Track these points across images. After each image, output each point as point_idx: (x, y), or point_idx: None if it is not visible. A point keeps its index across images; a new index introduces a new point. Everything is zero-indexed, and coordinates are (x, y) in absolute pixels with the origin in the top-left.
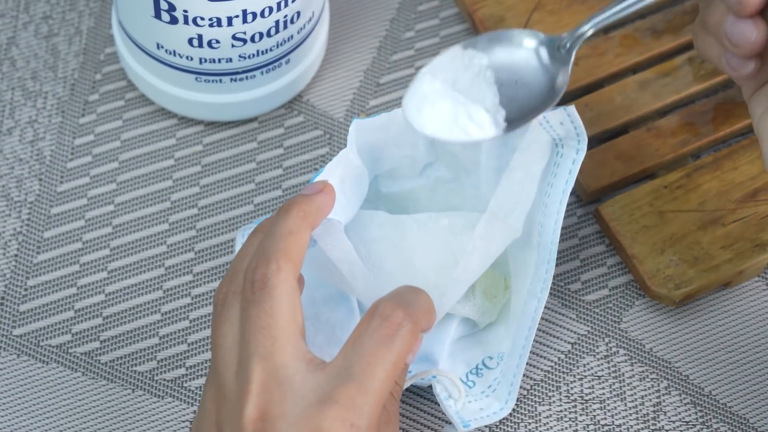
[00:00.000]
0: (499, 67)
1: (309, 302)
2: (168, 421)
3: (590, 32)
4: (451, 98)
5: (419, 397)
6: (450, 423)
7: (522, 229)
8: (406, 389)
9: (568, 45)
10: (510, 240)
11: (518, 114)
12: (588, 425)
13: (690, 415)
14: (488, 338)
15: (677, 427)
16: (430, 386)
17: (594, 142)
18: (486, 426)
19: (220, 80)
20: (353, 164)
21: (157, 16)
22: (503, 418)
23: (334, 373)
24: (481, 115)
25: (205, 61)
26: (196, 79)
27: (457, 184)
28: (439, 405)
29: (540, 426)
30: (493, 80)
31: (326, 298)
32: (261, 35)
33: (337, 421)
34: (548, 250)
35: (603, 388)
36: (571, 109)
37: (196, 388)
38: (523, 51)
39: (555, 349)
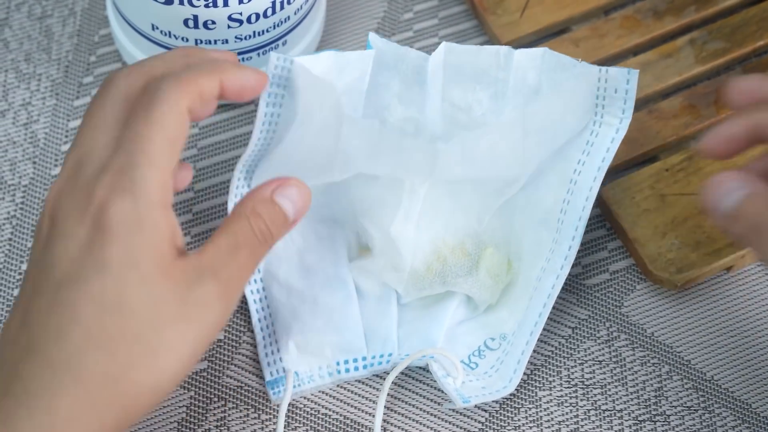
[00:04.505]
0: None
1: (308, 286)
2: (165, 407)
3: None
4: None
5: (417, 381)
6: (449, 400)
7: (521, 180)
8: (402, 373)
9: None
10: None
11: None
12: (589, 410)
13: (692, 401)
14: (490, 321)
15: (679, 412)
16: (426, 368)
17: None
18: (485, 411)
19: None
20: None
21: None
22: (504, 404)
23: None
24: None
25: (201, 42)
26: None
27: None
28: (435, 390)
29: (540, 411)
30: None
31: (324, 282)
32: (257, 16)
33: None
34: (574, 226)
35: (604, 373)
36: (635, 73)
37: (193, 373)
38: None
39: (555, 334)
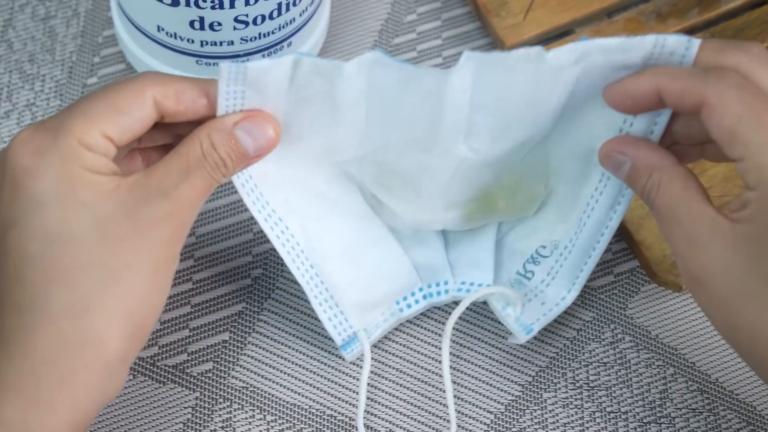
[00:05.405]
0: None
1: (345, 250)
2: (170, 407)
3: None
4: None
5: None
6: (511, 334)
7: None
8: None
9: None
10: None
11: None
12: (594, 412)
13: (697, 402)
14: (538, 225)
15: (684, 414)
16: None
17: None
18: (490, 413)
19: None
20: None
21: None
22: (508, 405)
23: None
24: None
25: (207, 43)
26: (197, 62)
27: None
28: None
29: (545, 413)
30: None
31: (359, 239)
32: (263, 18)
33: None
34: None
35: (609, 375)
36: (696, 42)
37: (198, 374)
38: None
39: (560, 336)
